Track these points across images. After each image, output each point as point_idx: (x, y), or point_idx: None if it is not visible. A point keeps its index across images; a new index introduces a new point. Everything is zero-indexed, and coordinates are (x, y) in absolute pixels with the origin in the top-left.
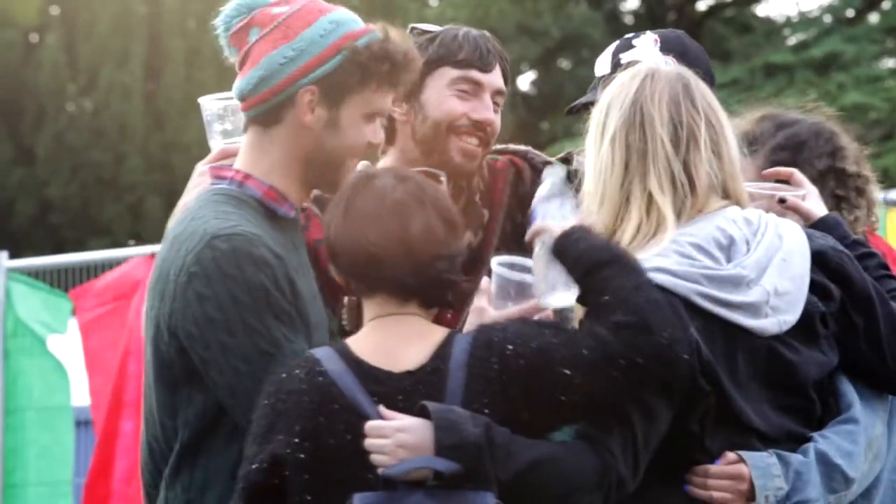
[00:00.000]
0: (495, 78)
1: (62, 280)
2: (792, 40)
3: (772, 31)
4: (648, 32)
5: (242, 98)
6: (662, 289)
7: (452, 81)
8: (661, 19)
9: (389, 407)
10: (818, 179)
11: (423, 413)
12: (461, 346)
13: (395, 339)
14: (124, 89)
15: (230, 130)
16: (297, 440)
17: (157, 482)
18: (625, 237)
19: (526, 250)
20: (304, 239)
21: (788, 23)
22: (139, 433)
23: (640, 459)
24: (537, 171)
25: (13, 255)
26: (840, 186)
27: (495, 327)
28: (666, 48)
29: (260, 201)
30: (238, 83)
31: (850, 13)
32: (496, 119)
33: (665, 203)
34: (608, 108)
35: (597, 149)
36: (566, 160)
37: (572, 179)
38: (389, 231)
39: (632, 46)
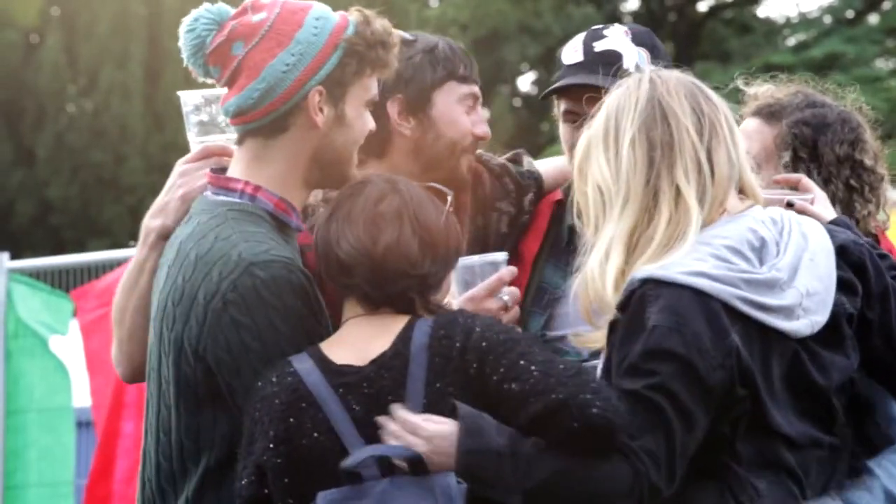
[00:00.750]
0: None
1: (63, 281)
2: (792, 41)
3: (772, 31)
4: (617, 24)
5: (241, 113)
6: (702, 293)
7: (461, 98)
8: (661, 20)
9: (355, 396)
10: (835, 164)
11: (453, 413)
12: (422, 329)
13: (363, 336)
14: (124, 90)
15: (206, 122)
16: (272, 445)
17: (159, 501)
18: (657, 235)
19: (489, 251)
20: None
21: (788, 23)
22: (140, 434)
23: (676, 466)
24: (494, 173)
25: (13, 256)
26: (854, 177)
27: (463, 312)
28: (638, 41)
29: (272, 214)
30: (234, 99)
31: (850, 14)
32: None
33: (690, 193)
34: (616, 115)
35: (611, 156)
36: (515, 160)
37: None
38: (360, 242)
39: (603, 36)
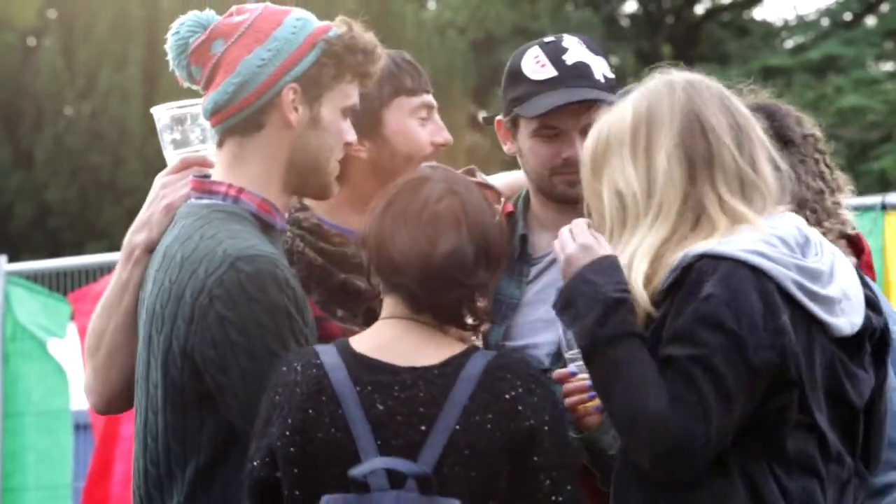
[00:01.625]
0: (432, 97)
1: (61, 283)
2: (790, 43)
3: (769, 34)
4: (566, 35)
5: (218, 109)
6: (759, 271)
7: (412, 111)
8: (658, 22)
9: (383, 395)
10: (801, 143)
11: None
12: (477, 361)
13: (405, 339)
14: (122, 92)
15: (179, 140)
16: (287, 433)
17: None
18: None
19: None
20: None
21: (786, 26)
22: None
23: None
24: None
25: (12, 259)
26: (823, 161)
27: (527, 361)
28: (593, 51)
29: (255, 215)
30: (211, 95)
31: (848, 16)
32: (450, 137)
33: (737, 203)
34: (648, 123)
35: (640, 166)
36: (469, 175)
37: None
38: (416, 243)
39: (565, 49)
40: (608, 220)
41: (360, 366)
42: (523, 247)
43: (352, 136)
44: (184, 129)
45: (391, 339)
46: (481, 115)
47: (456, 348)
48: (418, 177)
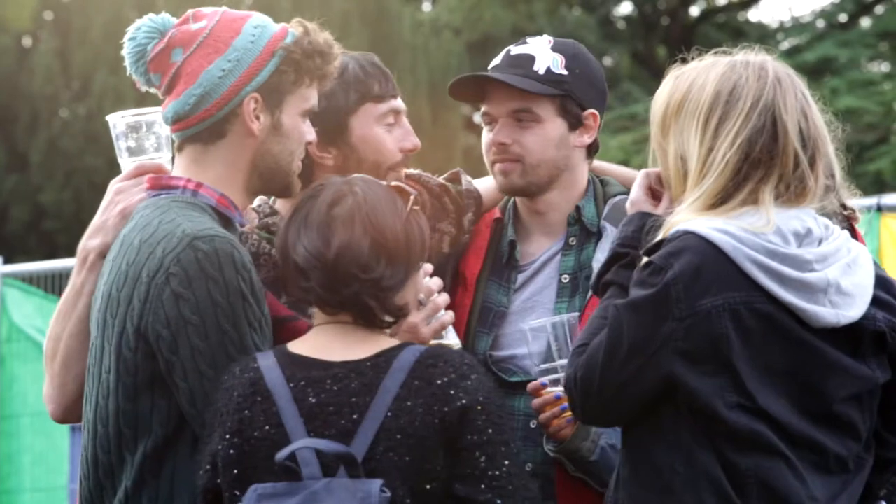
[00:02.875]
0: (400, 100)
1: (56, 285)
2: (785, 45)
3: (765, 35)
4: (545, 35)
5: (179, 119)
6: (714, 247)
7: (379, 117)
8: (654, 24)
9: (315, 389)
10: None
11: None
12: (410, 352)
13: (338, 340)
14: (118, 95)
15: (133, 148)
16: (227, 436)
17: (96, 497)
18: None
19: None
20: None
21: (781, 27)
22: None
23: (606, 379)
24: (433, 193)
25: (7, 261)
26: None
27: (463, 354)
28: (557, 48)
29: (214, 208)
30: (172, 105)
31: (843, 18)
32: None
33: (769, 204)
34: (727, 101)
35: (706, 140)
36: (454, 180)
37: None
38: (314, 245)
39: (525, 42)
40: (672, 177)
41: (295, 364)
42: (511, 253)
43: (312, 135)
44: (139, 136)
45: (326, 341)
46: (475, 116)
47: (389, 343)
48: (317, 185)
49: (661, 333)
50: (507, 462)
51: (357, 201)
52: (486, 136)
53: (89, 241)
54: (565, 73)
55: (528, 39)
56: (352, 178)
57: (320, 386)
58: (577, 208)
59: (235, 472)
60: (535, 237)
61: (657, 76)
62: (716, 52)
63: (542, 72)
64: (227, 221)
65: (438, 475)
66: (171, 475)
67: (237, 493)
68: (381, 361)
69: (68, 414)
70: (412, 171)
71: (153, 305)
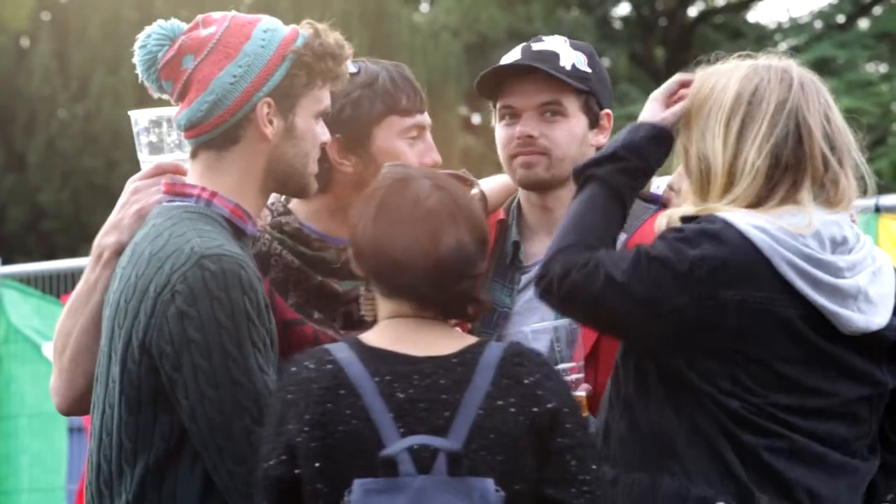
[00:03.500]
0: (427, 115)
1: (54, 286)
2: (783, 46)
3: (763, 36)
4: (557, 35)
5: (192, 126)
6: (749, 243)
7: (402, 131)
8: (651, 25)
9: (404, 387)
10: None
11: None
12: (494, 349)
13: (416, 333)
14: (116, 95)
15: (156, 143)
16: (307, 428)
17: None
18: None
19: None
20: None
21: (780, 28)
22: None
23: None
24: None
25: (5, 262)
26: None
27: (533, 350)
28: (576, 47)
29: (227, 219)
30: (185, 112)
31: (841, 19)
32: (439, 158)
33: (809, 203)
34: (749, 104)
35: (730, 143)
36: (459, 180)
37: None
38: (420, 243)
39: (542, 40)
40: (694, 174)
41: (375, 358)
42: (515, 254)
43: (326, 136)
44: (160, 132)
45: (403, 334)
46: (474, 117)
47: (470, 339)
48: (400, 176)
49: (675, 302)
50: (594, 467)
51: (451, 196)
52: (506, 129)
53: (104, 239)
54: (589, 70)
55: (544, 38)
56: (425, 171)
57: (407, 381)
58: None
59: (317, 465)
60: (539, 238)
61: (655, 77)
62: (739, 56)
63: (568, 67)
64: (239, 232)
65: (528, 476)
66: (172, 489)
67: (319, 486)
68: (469, 358)
69: (75, 407)
70: (392, 163)
71: (158, 321)
